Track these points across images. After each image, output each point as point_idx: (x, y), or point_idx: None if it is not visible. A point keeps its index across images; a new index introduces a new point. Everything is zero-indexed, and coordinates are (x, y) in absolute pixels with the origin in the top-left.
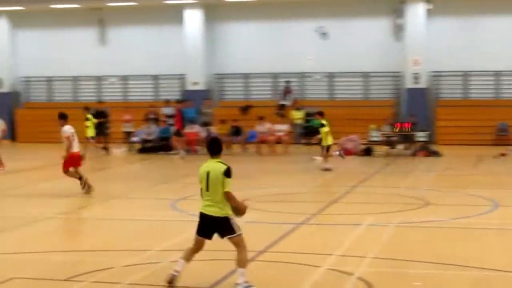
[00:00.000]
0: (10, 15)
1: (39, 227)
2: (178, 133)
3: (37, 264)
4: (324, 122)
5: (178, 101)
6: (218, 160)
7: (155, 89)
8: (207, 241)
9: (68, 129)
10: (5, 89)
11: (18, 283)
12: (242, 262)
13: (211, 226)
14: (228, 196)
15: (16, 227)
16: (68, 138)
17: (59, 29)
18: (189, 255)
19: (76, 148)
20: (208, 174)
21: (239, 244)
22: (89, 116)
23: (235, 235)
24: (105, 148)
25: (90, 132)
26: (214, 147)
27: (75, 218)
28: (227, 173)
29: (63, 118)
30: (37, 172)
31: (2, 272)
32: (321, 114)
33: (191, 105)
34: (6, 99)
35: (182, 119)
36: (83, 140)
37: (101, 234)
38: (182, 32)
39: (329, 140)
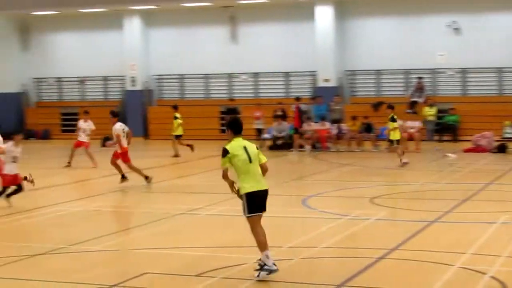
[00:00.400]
0: (143, 14)
1: (171, 223)
2: (297, 131)
3: (169, 260)
4: (395, 116)
5: (296, 99)
6: (242, 137)
7: (286, 86)
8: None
9: (119, 126)
10: (138, 87)
11: (151, 278)
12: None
13: (263, 199)
14: (267, 167)
15: (149, 223)
16: (118, 136)
17: (190, 27)
18: (265, 241)
19: (125, 143)
20: (245, 148)
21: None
22: (178, 115)
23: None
24: (190, 146)
25: (178, 131)
26: (240, 126)
27: (205, 214)
28: (257, 147)
29: (115, 116)
30: (168, 168)
31: (136, 267)
32: (391, 107)
33: (322, 102)
34: (139, 97)
35: (300, 116)
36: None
37: (232, 230)
38: (313, 29)
39: (397, 135)
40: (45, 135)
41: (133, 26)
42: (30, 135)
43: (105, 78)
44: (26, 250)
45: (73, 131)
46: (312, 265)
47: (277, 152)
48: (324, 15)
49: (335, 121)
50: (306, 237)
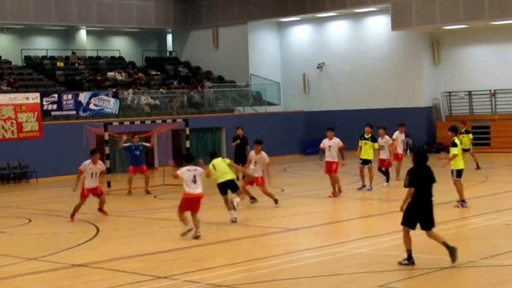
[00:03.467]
0: None
1: None
2: None
3: None
4: (457, 141)
5: None
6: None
7: None
8: None
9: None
10: None
11: None
12: None
13: None
14: None
15: None
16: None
17: None
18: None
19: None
20: None
21: None
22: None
23: None
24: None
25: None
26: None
27: None
28: None
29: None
30: None
31: None
32: (454, 130)
33: None
34: None
35: None
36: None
37: None
38: None
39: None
40: None
41: None
42: (440, 148)
43: None
44: (434, 262)
45: (482, 144)
46: None
47: None
48: None
49: None
50: None
